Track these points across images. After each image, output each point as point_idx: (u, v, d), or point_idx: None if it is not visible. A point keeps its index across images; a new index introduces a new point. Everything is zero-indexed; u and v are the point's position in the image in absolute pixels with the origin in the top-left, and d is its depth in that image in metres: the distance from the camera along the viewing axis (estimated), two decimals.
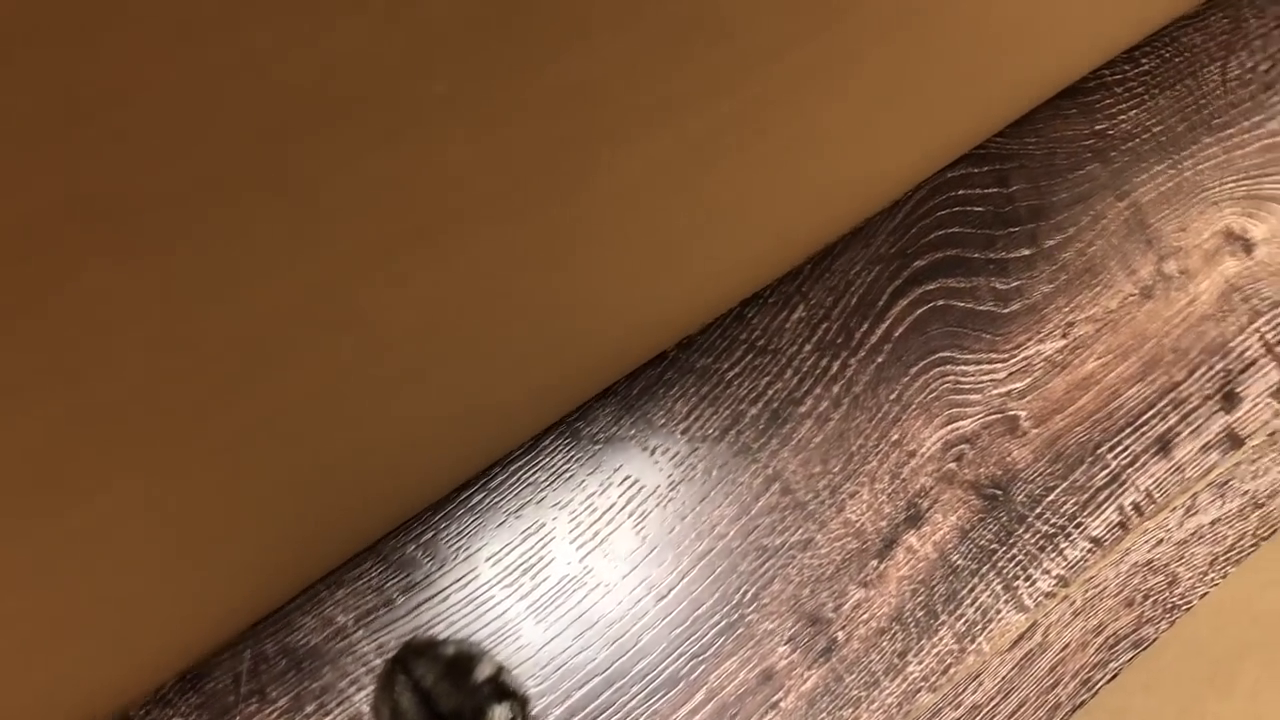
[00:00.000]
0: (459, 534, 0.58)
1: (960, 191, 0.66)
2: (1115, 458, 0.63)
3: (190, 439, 0.34)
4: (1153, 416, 0.64)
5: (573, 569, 0.59)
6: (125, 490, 0.34)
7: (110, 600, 0.41)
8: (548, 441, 0.60)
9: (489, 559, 0.58)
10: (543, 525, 0.59)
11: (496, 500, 0.59)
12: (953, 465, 0.62)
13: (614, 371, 0.61)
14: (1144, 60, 0.70)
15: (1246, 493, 0.64)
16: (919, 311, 0.64)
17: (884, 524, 0.61)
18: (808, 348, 0.63)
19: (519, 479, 0.59)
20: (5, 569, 0.32)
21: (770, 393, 0.62)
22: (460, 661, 0.48)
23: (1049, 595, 0.61)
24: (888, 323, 0.64)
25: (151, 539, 0.40)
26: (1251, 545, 0.63)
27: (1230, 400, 0.65)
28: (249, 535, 0.47)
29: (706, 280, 0.60)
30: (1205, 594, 0.62)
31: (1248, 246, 0.68)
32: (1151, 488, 0.63)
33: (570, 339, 0.54)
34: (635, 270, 0.50)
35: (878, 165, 0.62)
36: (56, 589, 0.37)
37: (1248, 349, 0.66)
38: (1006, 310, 0.65)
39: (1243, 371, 0.66)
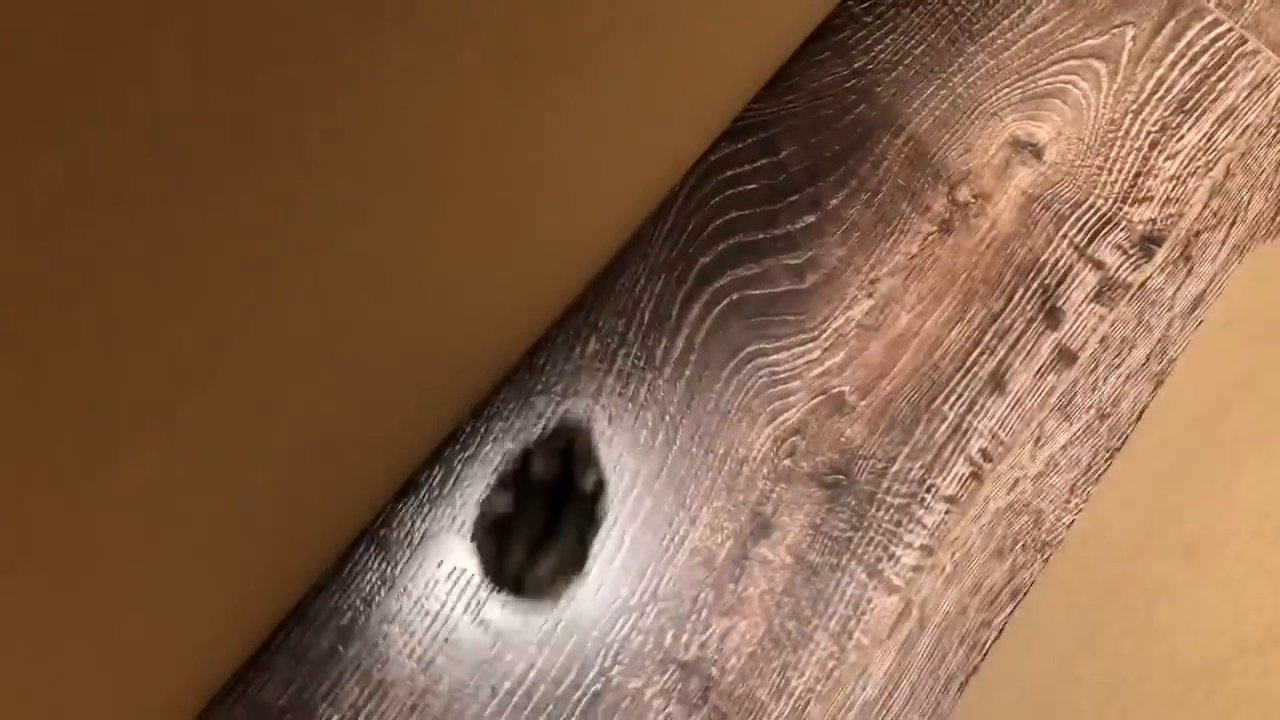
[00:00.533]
0: (285, 682, 0.54)
1: (728, 173, 0.62)
2: (952, 408, 0.61)
3: None
4: (980, 354, 0.62)
5: (419, 682, 0.55)
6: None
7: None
8: (355, 557, 0.55)
9: (325, 698, 0.54)
10: (374, 646, 0.55)
11: (316, 635, 0.54)
12: (787, 461, 0.59)
13: (408, 464, 0.56)
14: None
15: (1090, 406, 0.62)
16: (715, 311, 0.60)
17: (731, 543, 0.58)
18: (610, 380, 0.59)
19: (335, 606, 0.55)
20: None
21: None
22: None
23: (916, 569, 0.59)
24: (686, 332, 0.60)
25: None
26: (1106, 459, 0.61)
27: (1054, 316, 0.63)
28: None
29: (482, 343, 0.55)
30: (1072, 522, 0.60)
31: (1036, 151, 0.65)
32: (995, 429, 0.61)
33: (366, 435, 0.50)
34: (404, 354, 0.45)
35: (634, 170, 0.58)
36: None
37: (1060, 259, 0.63)
38: (805, 285, 0.61)
39: (1060, 284, 0.63)
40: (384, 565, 0.55)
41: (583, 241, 0.58)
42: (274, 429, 0.39)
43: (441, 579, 0.56)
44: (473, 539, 0.51)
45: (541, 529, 0.52)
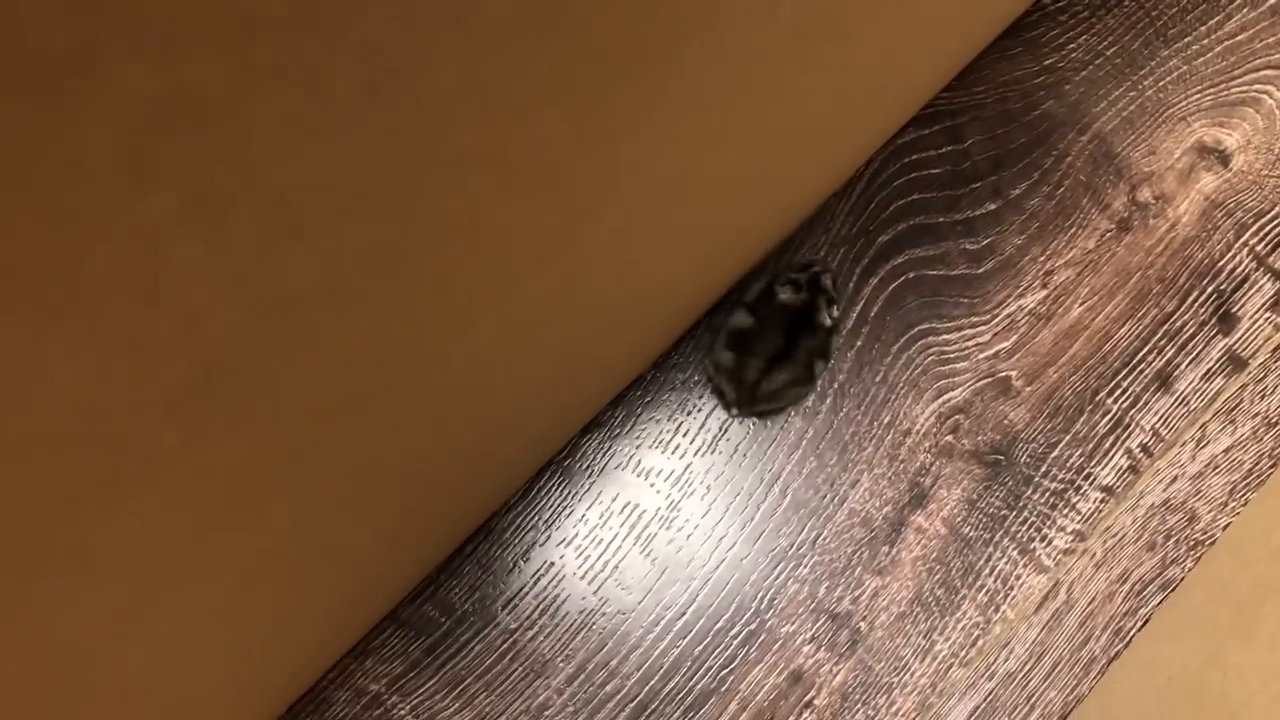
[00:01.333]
0: (471, 588, 0.59)
1: (913, 157, 0.65)
2: (1115, 402, 0.62)
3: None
4: (1149, 353, 0.63)
5: (589, 602, 0.59)
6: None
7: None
8: (541, 483, 0.60)
9: (505, 606, 0.59)
10: (551, 565, 0.60)
11: (501, 549, 0.60)
12: (949, 438, 0.62)
13: (597, 404, 0.61)
14: None
15: (1257, 414, 0.62)
16: (891, 288, 0.63)
17: (889, 509, 0.61)
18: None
19: (520, 525, 0.60)
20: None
21: None
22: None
23: (1067, 552, 0.61)
24: (861, 305, 0.63)
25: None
26: (1270, 466, 0.62)
27: (1227, 322, 0.63)
28: (290, 611, 0.49)
29: (674, 296, 0.59)
30: (1228, 524, 0.61)
31: (1223, 158, 0.66)
32: (1158, 426, 0.62)
33: (560, 379, 0.54)
34: (614, 301, 0.50)
35: (827, 146, 0.61)
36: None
37: (1238, 266, 0.64)
38: (981, 270, 0.64)
39: (1236, 290, 0.64)
40: (566, 493, 0.60)
41: (773, 209, 0.61)
42: (480, 372, 0.44)
43: (616, 511, 0.60)
44: (719, 354, 0.59)
45: (778, 350, 0.57)
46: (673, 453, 0.61)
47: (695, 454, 0.61)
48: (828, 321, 0.58)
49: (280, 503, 0.37)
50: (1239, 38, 0.67)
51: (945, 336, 0.63)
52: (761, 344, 0.58)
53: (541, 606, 0.59)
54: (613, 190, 0.39)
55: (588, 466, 0.61)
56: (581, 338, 0.52)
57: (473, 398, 0.46)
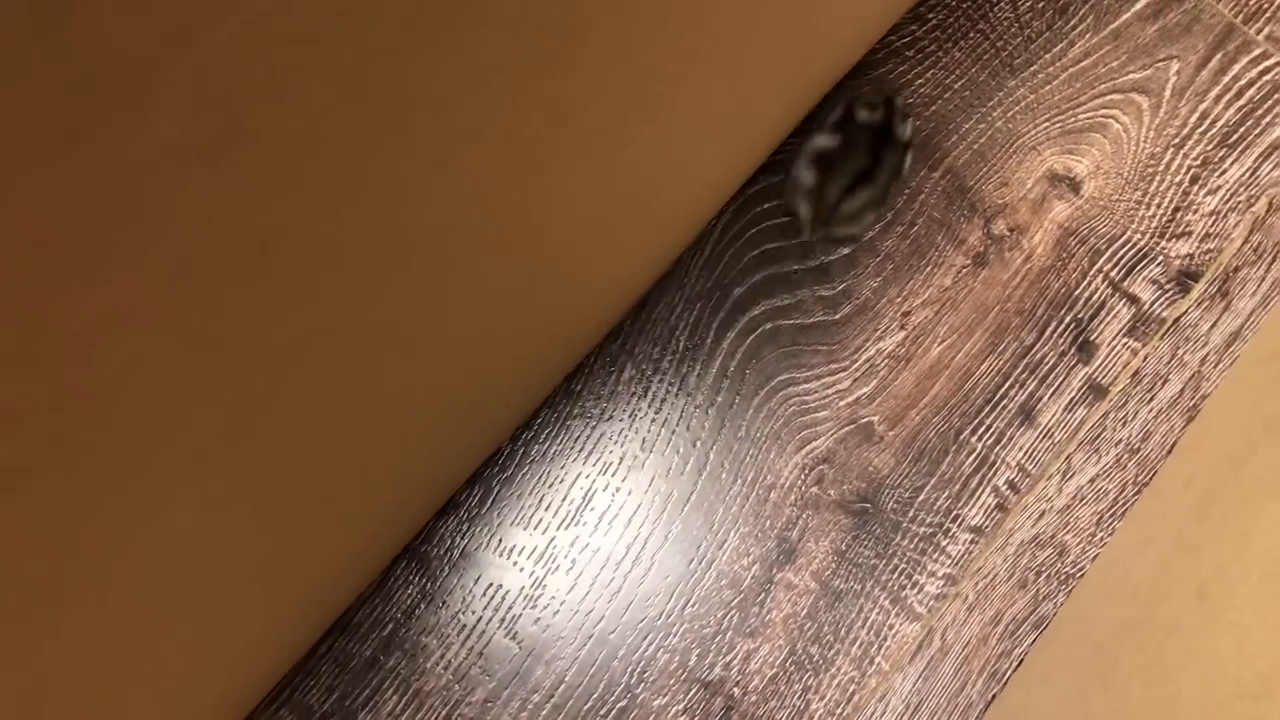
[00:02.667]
0: (328, 688, 0.57)
1: (765, 205, 0.64)
2: (980, 440, 0.62)
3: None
4: (1010, 387, 0.62)
5: (454, 693, 0.58)
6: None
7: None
8: (396, 572, 0.58)
9: (365, 706, 0.57)
10: (412, 657, 0.58)
11: (358, 644, 0.58)
12: (815, 489, 0.61)
13: (450, 484, 0.59)
14: (930, 15, 0.67)
15: (1120, 441, 0.62)
16: (749, 340, 0.62)
17: (757, 567, 0.60)
18: (644, 405, 0.61)
19: (376, 617, 0.58)
20: None
21: (616, 460, 0.60)
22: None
23: (939, 597, 0.60)
24: (720, 360, 0.62)
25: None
26: (1134, 494, 0.61)
27: (1086, 350, 0.63)
28: None
29: (523, 372, 0.58)
30: (1096, 556, 0.61)
31: (1074, 185, 0.65)
32: (1023, 461, 0.62)
33: (409, 461, 0.52)
34: (449, 387, 0.48)
35: (678, 202, 0.60)
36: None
37: (1094, 293, 0.64)
38: (838, 316, 0.63)
39: (1093, 318, 0.64)
40: (424, 580, 0.58)
41: (622, 275, 0.60)
42: (323, 461, 0.42)
43: (478, 594, 0.58)
44: (800, 173, 0.61)
45: (863, 168, 0.60)
46: (535, 528, 0.59)
47: (559, 527, 0.59)
48: (905, 135, 0.60)
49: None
50: (1083, 64, 0.67)
51: (805, 386, 0.62)
52: (847, 162, 0.60)
53: (404, 702, 0.57)
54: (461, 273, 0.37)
55: (446, 550, 0.59)
56: (428, 419, 0.50)
57: (313, 492, 0.44)
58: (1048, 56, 0.67)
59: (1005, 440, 0.62)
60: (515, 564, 0.59)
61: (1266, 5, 0.69)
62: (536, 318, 0.54)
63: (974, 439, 0.62)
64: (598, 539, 0.59)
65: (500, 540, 0.59)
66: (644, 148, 0.48)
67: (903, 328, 0.63)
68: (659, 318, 0.62)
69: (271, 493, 0.41)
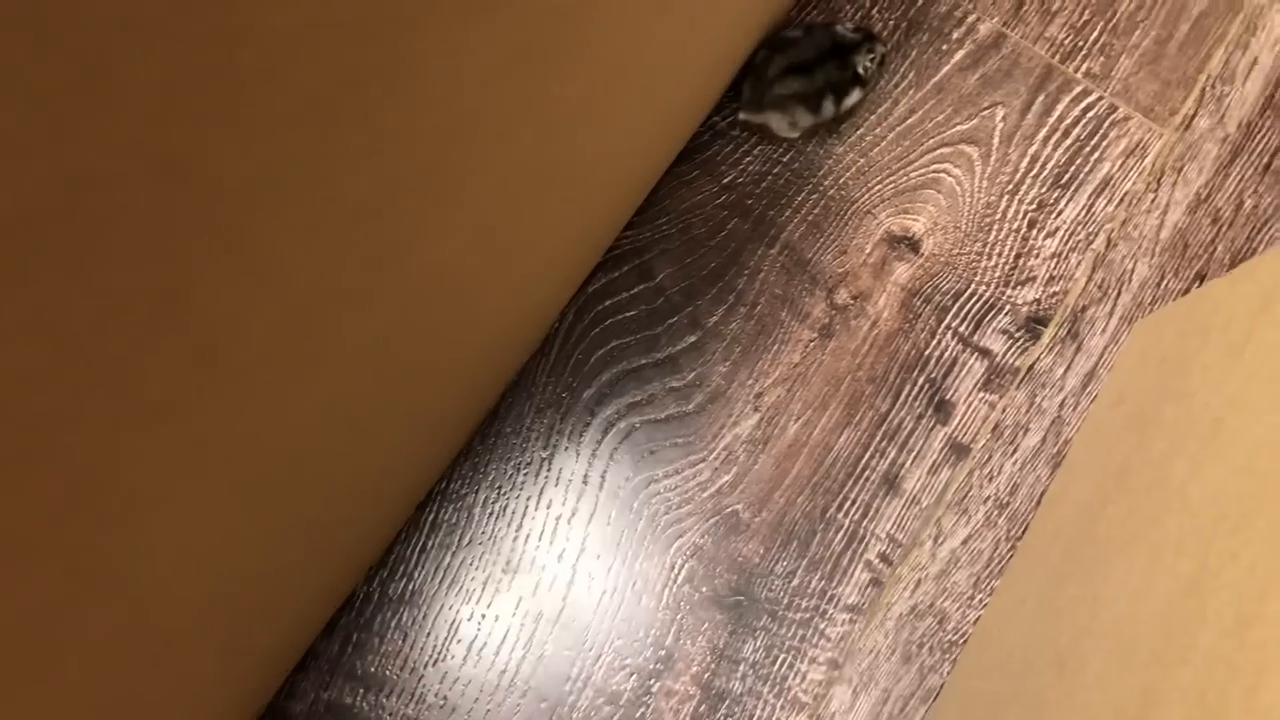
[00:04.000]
0: None
1: (606, 303, 0.63)
2: (846, 515, 0.61)
3: None
4: (871, 457, 0.62)
5: None
6: None
7: None
8: None
9: None
10: None
11: None
12: (686, 588, 0.59)
13: (306, 636, 0.57)
14: None
15: (988, 498, 0.62)
16: (604, 442, 0.61)
17: (634, 679, 0.58)
18: (503, 525, 0.60)
19: None
20: None
21: (479, 587, 0.59)
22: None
23: (824, 683, 0.59)
24: (577, 467, 0.61)
25: None
26: (1008, 550, 0.61)
27: (943, 410, 0.63)
28: None
29: (369, 504, 0.56)
30: (977, 618, 0.60)
31: (913, 244, 0.65)
32: (893, 531, 0.61)
33: (254, 619, 0.50)
34: (301, 532, 0.46)
35: (519, 307, 0.59)
36: None
37: (945, 351, 0.64)
38: (691, 407, 0.62)
39: (946, 376, 0.63)
40: None
41: (466, 390, 0.59)
42: (167, 639, 0.40)
43: None
44: (756, 51, 0.65)
45: (803, 61, 0.63)
46: (401, 668, 0.57)
47: (426, 664, 0.58)
48: (861, 69, 0.63)
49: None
50: (909, 121, 0.68)
51: (666, 482, 0.61)
52: (794, 50, 0.63)
53: None
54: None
55: (310, 705, 0.57)
56: (270, 577, 0.48)
57: (159, 673, 0.42)
58: (873, 118, 0.67)
59: (872, 512, 0.61)
60: (385, 709, 0.57)
61: (1081, 43, 0.70)
62: (375, 450, 0.53)
63: (840, 515, 0.61)
64: (468, 670, 0.57)
65: (365, 688, 0.57)
66: (483, 258, 0.47)
67: (757, 410, 0.62)
68: (509, 431, 0.61)
69: (117, 681, 0.39)
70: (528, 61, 0.37)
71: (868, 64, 0.63)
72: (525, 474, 0.60)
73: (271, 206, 0.28)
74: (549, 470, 0.60)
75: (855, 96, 0.64)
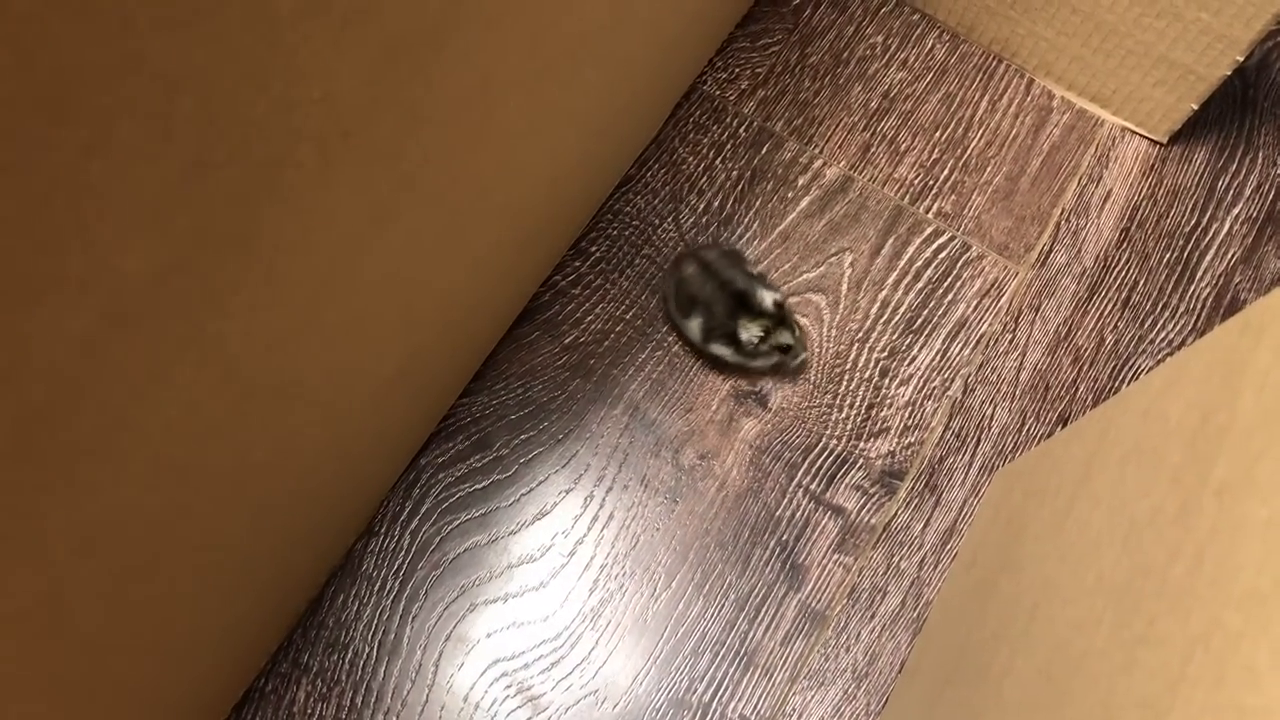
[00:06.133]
0: None
1: (441, 476, 0.60)
2: (699, 697, 0.57)
3: None
4: (723, 631, 0.59)
5: None
6: None
7: None
8: None
9: None
10: None
11: None
12: None
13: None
14: (593, 248, 0.66)
15: (845, 669, 0.58)
16: (438, 628, 0.57)
17: None
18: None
19: None
20: None
21: None
22: (737, 257, 0.64)
23: None
24: (415, 656, 0.57)
25: None
26: None
27: (796, 574, 0.60)
28: None
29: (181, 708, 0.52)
30: None
31: (761, 400, 0.63)
32: (747, 711, 0.57)
33: None
34: None
35: (343, 487, 0.56)
36: None
37: (797, 510, 0.61)
38: (538, 584, 0.59)
39: (799, 538, 0.60)
40: None
41: (287, 585, 0.56)
42: None
43: None
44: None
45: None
46: None
47: None
48: (744, 336, 0.59)
49: None
50: (755, 272, 0.66)
51: (515, 661, 0.57)
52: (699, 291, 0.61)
53: None
54: None
55: None
56: None
57: None
58: None
59: (728, 690, 0.57)
60: None
61: (931, 182, 0.69)
62: (190, 655, 0.49)
63: (693, 697, 0.57)
64: None
65: None
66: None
67: (606, 583, 0.59)
68: (332, 621, 0.58)
69: None
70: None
71: (751, 334, 0.60)
72: (349, 668, 0.57)
73: None
74: (379, 662, 0.57)
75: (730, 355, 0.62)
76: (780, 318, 0.60)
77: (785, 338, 0.60)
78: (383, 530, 0.59)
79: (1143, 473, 0.40)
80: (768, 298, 0.60)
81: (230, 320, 0.33)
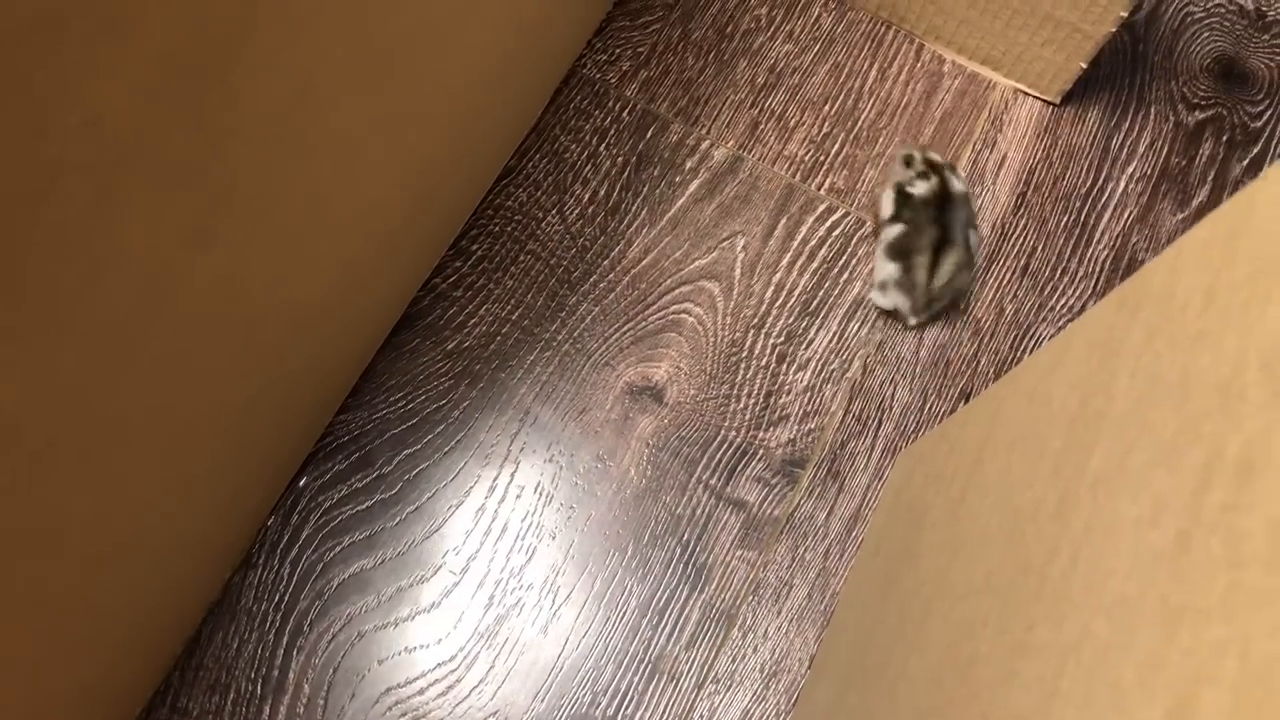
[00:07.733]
0: None
1: (321, 499, 0.57)
2: (604, 711, 0.55)
3: None
4: (629, 641, 0.56)
5: None
6: None
7: None
8: None
9: None
10: None
11: None
12: None
13: None
14: (474, 246, 0.63)
15: (753, 669, 0.56)
16: (324, 659, 0.55)
17: None
18: None
19: None
20: None
21: None
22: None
23: None
24: (303, 689, 0.54)
25: None
26: None
27: (700, 574, 0.58)
28: None
29: None
30: None
31: (656, 394, 0.61)
32: None
33: None
34: None
35: (207, 522, 0.53)
36: None
37: (698, 507, 0.59)
38: (427, 606, 0.56)
39: (701, 536, 0.58)
40: None
41: (159, 627, 0.52)
42: None
43: None
44: (879, 269, 0.62)
45: (937, 238, 0.60)
46: None
47: None
48: (962, 186, 0.62)
49: None
50: (645, 261, 0.64)
51: (409, 688, 0.55)
52: (921, 239, 0.60)
53: None
54: None
55: None
56: None
57: None
58: (606, 263, 0.63)
59: (633, 701, 0.55)
60: None
61: (822, 157, 0.67)
62: (52, 714, 0.46)
63: (596, 711, 0.55)
64: None
65: None
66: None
67: (500, 602, 0.56)
68: (211, 660, 0.54)
69: None
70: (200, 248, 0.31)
71: (962, 181, 0.63)
72: (234, 709, 0.53)
73: None
74: (261, 699, 0.54)
75: (974, 206, 0.64)
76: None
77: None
78: (261, 561, 0.56)
79: (1028, 461, 0.38)
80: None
81: (7, 386, 0.30)
